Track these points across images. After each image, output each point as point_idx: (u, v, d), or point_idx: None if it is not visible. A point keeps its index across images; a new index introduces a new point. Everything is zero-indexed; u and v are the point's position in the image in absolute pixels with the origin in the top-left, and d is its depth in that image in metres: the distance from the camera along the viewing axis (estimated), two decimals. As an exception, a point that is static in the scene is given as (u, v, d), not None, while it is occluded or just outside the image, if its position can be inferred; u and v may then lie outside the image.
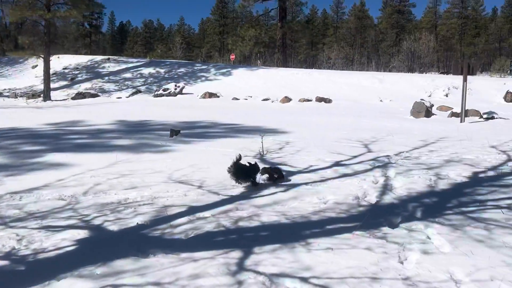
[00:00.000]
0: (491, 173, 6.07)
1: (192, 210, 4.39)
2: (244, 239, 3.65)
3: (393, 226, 4.10)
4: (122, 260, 3.26)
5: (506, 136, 9.33)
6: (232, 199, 4.80)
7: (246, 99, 17.97)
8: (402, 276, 3.06)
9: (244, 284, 2.92)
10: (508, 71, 28.26)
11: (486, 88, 18.47)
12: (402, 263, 3.28)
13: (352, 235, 3.77)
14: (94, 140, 8.84)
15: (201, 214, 4.27)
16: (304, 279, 3.01)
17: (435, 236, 3.85)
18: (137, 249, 3.47)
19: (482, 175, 6.00)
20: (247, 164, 5.38)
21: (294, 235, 3.78)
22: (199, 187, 5.31)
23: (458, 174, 5.98)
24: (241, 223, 4.04)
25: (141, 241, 3.68)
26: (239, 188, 5.29)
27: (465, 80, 12.07)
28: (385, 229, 3.98)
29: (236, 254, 3.35)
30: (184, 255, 3.35)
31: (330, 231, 3.93)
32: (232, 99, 18.01)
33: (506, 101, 16.82)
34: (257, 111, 14.90)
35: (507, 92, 17.02)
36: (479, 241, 3.69)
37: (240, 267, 3.15)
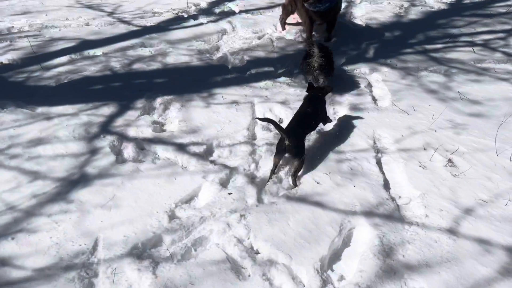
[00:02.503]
0: (479, -1, 4.93)
1: (82, 45, 3.45)
2: (129, 89, 2.84)
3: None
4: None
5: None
6: (143, 31, 3.80)
7: None
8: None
9: (99, 153, 2.23)
10: None
11: None
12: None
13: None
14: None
15: (90, 52, 3.35)
16: (182, 146, 2.32)
17: (378, 84, 3.05)
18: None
19: (467, 0, 4.88)
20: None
21: (199, 83, 2.96)
22: (110, 14, 4.23)
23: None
24: (137, 66, 3.16)
25: (-4, 88, 2.85)
26: (162, 16, 4.23)
27: None
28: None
29: (107, 110, 2.58)
30: (40, 109, 2.57)
31: (245, 78, 3.10)
32: None
33: None
34: None
35: None
36: (430, 92, 2.91)
37: (104, 129, 2.41)
